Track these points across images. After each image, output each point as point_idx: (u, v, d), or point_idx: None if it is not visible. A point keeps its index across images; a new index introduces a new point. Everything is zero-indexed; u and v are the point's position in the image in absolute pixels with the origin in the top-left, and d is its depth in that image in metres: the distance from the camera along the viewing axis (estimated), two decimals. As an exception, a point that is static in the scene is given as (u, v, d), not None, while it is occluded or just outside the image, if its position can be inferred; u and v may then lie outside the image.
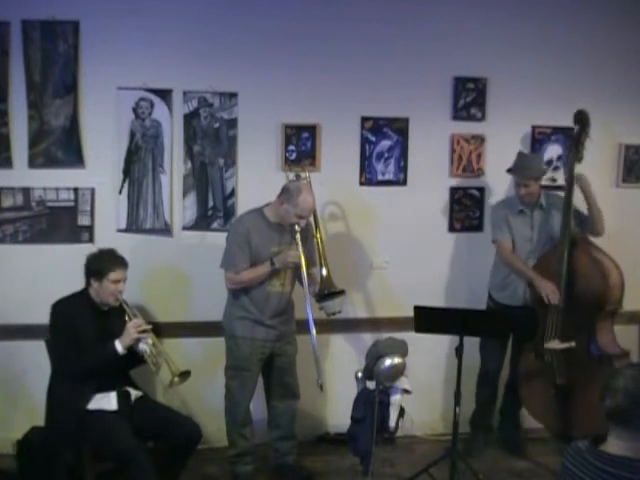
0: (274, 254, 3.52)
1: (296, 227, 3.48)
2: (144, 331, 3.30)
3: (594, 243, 3.84)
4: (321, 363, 3.47)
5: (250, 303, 3.58)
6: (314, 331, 3.48)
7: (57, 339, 3.33)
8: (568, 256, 3.72)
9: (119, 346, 3.25)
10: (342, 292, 3.65)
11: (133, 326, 3.28)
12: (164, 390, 3.68)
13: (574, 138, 3.82)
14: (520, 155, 3.94)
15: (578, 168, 3.79)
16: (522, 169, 3.88)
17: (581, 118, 3.79)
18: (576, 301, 3.71)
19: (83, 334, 3.28)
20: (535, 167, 3.90)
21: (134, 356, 3.34)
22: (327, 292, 3.58)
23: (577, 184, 3.76)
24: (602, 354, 3.67)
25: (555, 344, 3.73)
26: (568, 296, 3.72)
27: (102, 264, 3.34)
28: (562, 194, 3.88)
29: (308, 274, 3.52)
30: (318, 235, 3.71)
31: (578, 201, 3.85)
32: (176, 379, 3.27)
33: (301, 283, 3.59)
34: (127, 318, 3.35)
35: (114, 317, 3.38)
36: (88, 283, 3.38)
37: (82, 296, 3.39)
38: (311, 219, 3.68)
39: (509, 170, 3.93)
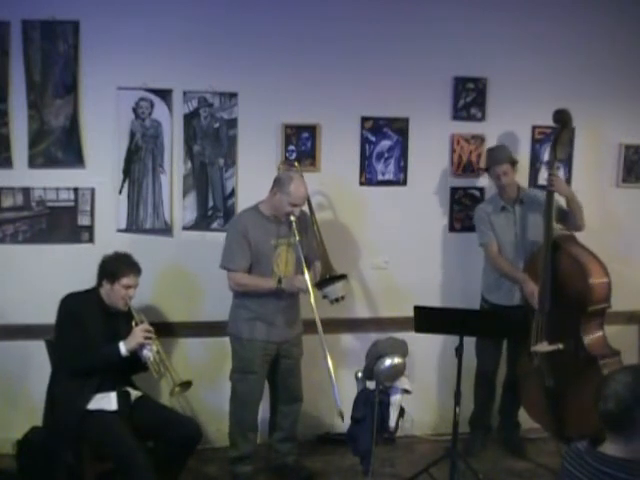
0: (273, 247, 3.54)
1: (291, 217, 3.48)
2: (150, 337, 3.31)
3: (578, 242, 3.82)
4: (338, 388, 3.43)
5: (253, 301, 3.57)
6: (329, 359, 3.43)
7: (63, 332, 3.33)
8: (551, 258, 3.71)
9: (123, 348, 3.26)
10: (344, 276, 3.60)
11: (141, 330, 3.30)
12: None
13: (554, 138, 3.82)
14: (488, 150, 4.05)
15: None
16: (494, 158, 3.94)
17: (561, 117, 3.77)
18: (561, 303, 3.69)
19: (89, 331, 3.29)
20: (504, 152, 3.96)
21: (137, 362, 3.35)
22: (328, 276, 3.55)
23: (550, 187, 3.74)
24: (589, 355, 3.63)
25: (542, 346, 3.70)
26: (553, 298, 3.70)
27: (117, 267, 3.36)
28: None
29: (308, 268, 3.52)
30: (314, 223, 3.70)
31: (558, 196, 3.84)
32: (177, 389, 3.28)
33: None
34: (134, 323, 3.36)
35: (121, 320, 3.40)
36: (100, 283, 3.39)
37: (92, 294, 3.40)
38: (306, 208, 3.68)
39: (486, 168, 4.00)
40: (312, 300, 3.45)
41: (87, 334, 3.28)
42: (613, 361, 3.61)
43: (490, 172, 3.99)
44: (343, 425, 3.55)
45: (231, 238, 3.57)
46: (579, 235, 3.88)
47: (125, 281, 3.34)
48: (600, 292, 3.65)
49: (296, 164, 3.89)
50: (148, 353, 3.30)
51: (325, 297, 3.57)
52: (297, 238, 3.50)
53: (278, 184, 3.51)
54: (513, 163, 3.93)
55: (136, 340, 3.28)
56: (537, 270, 3.75)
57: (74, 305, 3.34)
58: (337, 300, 3.57)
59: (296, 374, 3.78)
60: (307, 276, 3.47)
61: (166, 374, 3.33)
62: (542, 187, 4.13)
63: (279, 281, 3.50)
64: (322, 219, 3.99)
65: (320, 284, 3.55)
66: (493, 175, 3.97)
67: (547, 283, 3.70)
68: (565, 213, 3.87)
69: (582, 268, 3.65)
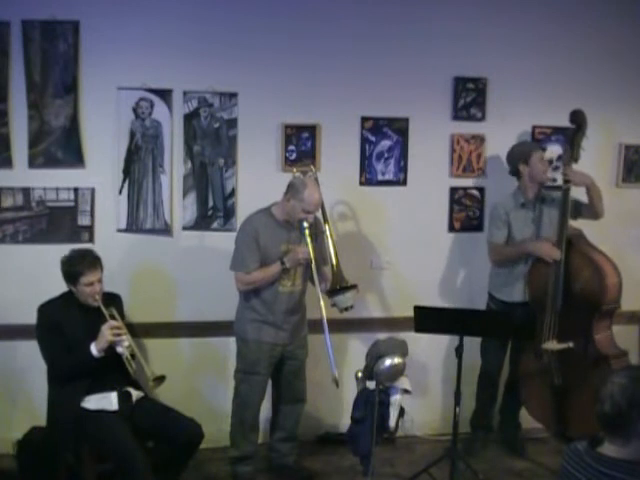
0: (283, 253, 3.51)
1: (304, 223, 3.46)
2: (119, 334, 3.24)
3: (590, 242, 3.83)
4: (334, 357, 3.43)
5: (260, 304, 3.57)
6: (326, 327, 3.43)
7: (42, 341, 3.32)
8: (564, 256, 3.72)
9: (94, 350, 3.21)
10: (354, 286, 3.61)
11: (107, 328, 3.23)
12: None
13: (569, 138, 3.82)
14: (516, 146, 4.03)
15: (576, 166, 3.79)
16: (530, 145, 4.04)
17: (577, 118, 3.78)
18: (573, 301, 3.70)
19: (70, 334, 3.27)
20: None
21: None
22: (339, 287, 3.56)
23: (567, 184, 3.76)
24: (599, 354, 3.65)
25: (552, 345, 3.71)
26: (565, 296, 3.71)
27: (72, 269, 3.30)
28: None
29: (318, 272, 3.51)
30: (327, 230, 3.69)
31: (574, 190, 3.84)
32: (151, 383, 3.24)
33: (312, 281, 3.58)
34: (108, 318, 3.30)
35: (102, 315, 3.33)
36: (67, 286, 3.36)
37: (69, 296, 3.37)
38: (319, 215, 3.67)
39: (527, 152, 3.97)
40: (314, 266, 3.45)
41: (68, 338, 3.25)
42: (623, 361, 3.63)
43: (532, 161, 3.91)
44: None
45: (242, 241, 3.55)
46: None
47: (84, 280, 3.27)
48: (614, 292, 3.67)
49: (312, 168, 3.86)
50: (120, 349, 3.26)
51: (334, 305, 3.58)
52: (309, 246, 3.46)
53: (292, 190, 3.47)
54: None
55: (105, 339, 3.21)
56: (547, 268, 3.75)
57: (49, 313, 3.31)
58: (346, 309, 3.59)
59: (301, 375, 3.78)
60: (310, 247, 3.45)
61: (141, 369, 3.28)
62: (554, 187, 4.12)
63: (282, 262, 3.48)
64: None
65: (331, 293, 3.56)
66: (537, 162, 3.91)
67: (560, 281, 3.71)
68: (582, 204, 3.88)
69: (597, 268, 3.66)
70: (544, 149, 4.07)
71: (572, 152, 3.79)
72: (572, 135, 3.80)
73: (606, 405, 1.91)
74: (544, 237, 3.90)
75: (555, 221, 3.83)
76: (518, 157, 3.95)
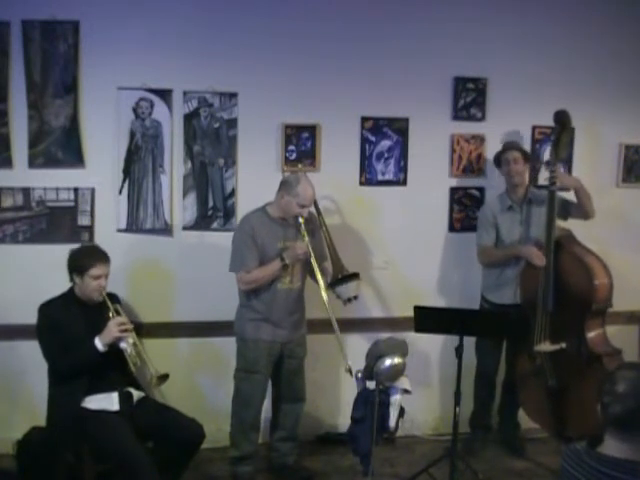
0: (280, 250, 3.52)
1: (300, 219, 3.47)
2: (125, 330, 3.25)
3: (578, 241, 3.83)
4: (345, 347, 3.46)
5: (259, 303, 3.57)
6: (334, 319, 3.45)
7: (43, 340, 3.32)
8: (554, 257, 3.72)
9: (99, 344, 3.21)
10: (356, 275, 3.60)
11: (115, 324, 3.24)
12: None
13: (554, 139, 3.82)
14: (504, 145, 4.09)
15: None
16: (505, 145, 4.02)
17: (561, 118, 3.77)
18: (564, 302, 3.70)
19: (70, 333, 3.26)
20: (516, 142, 4.05)
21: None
22: (340, 276, 3.56)
23: (552, 187, 3.75)
24: (593, 354, 3.64)
25: (545, 346, 3.71)
26: (556, 297, 3.70)
27: (82, 260, 3.31)
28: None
29: (319, 267, 3.52)
30: (322, 225, 3.70)
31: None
32: (154, 381, 3.24)
33: (312, 277, 3.58)
34: (111, 315, 3.30)
35: (104, 312, 3.34)
36: (71, 279, 3.36)
37: (69, 295, 3.38)
38: (312, 209, 3.67)
39: (497, 155, 4.02)
40: (314, 260, 3.47)
41: (68, 337, 3.25)
42: (616, 359, 3.62)
43: (501, 163, 3.99)
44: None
45: (239, 241, 3.55)
46: (580, 234, 3.88)
47: (93, 272, 3.28)
48: (604, 292, 3.66)
49: (299, 166, 3.89)
50: (125, 346, 3.26)
51: (338, 297, 3.58)
52: (306, 239, 3.47)
53: (286, 186, 3.48)
54: (525, 157, 3.95)
55: (111, 335, 3.22)
56: (538, 270, 3.75)
57: (50, 313, 3.31)
58: (349, 300, 3.59)
59: (300, 374, 3.78)
60: (307, 242, 3.47)
61: (144, 367, 3.29)
62: (543, 187, 4.14)
63: (282, 259, 3.49)
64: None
65: (332, 284, 3.55)
66: (504, 164, 3.96)
67: (550, 283, 3.71)
68: (571, 204, 3.88)
69: (587, 268, 3.65)
70: (520, 150, 3.99)
71: (558, 153, 3.79)
72: (557, 136, 3.80)
73: (628, 402, 1.87)
74: (534, 238, 3.90)
75: (544, 221, 3.83)
76: (494, 159, 4.05)
